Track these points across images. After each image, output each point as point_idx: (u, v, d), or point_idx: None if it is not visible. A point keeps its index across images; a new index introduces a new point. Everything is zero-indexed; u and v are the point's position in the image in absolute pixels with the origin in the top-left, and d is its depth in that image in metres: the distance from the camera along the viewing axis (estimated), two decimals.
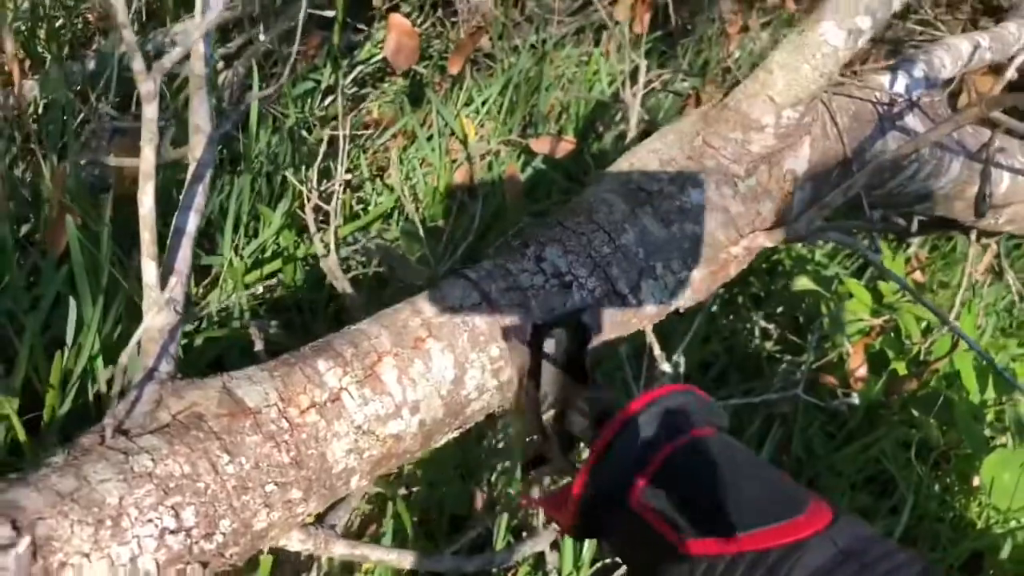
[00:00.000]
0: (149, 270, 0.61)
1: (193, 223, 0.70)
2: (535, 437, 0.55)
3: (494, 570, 0.88)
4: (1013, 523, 1.20)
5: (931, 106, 0.83)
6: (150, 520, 0.48)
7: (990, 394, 1.31)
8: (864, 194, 0.72)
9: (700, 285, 0.70)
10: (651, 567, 0.43)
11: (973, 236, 1.00)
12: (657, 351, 0.75)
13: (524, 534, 0.98)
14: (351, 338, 0.60)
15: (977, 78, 0.96)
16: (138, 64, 0.59)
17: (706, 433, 0.46)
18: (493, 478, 1.01)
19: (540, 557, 0.93)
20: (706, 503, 0.42)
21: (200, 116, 0.79)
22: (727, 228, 0.69)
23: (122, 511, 0.48)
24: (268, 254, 1.19)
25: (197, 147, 0.77)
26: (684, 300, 0.69)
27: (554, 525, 0.79)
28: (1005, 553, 1.15)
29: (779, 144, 0.70)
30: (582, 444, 0.55)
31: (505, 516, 0.93)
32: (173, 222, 0.71)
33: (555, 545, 0.93)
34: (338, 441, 0.56)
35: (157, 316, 0.61)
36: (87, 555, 0.46)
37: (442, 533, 0.95)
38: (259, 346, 0.72)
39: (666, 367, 0.76)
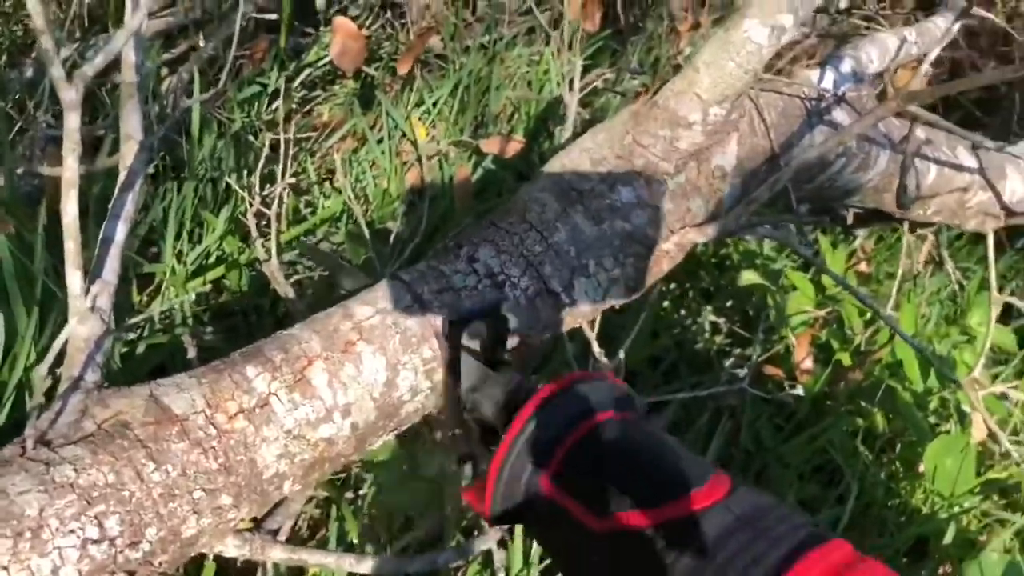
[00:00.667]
0: (73, 280, 0.60)
1: (122, 232, 0.70)
2: (458, 431, 0.56)
3: (441, 570, 0.88)
4: (956, 508, 1.23)
5: (858, 100, 0.85)
6: (72, 531, 0.48)
7: (932, 382, 1.34)
8: (793, 189, 0.74)
9: (634, 281, 0.71)
10: (565, 548, 0.44)
11: (906, 227, 1.03)
12: (596, 349, 0.76)
13: (476, 532, 0.98)
14: (281, 343, 0.60)
15: (899, 73, 0.98)
16: (57, 71, 0.58)
17: (612, 417, 0.47)
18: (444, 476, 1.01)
19: (489, 555, 0.94)
20: (612, 483, 0.43)
21: (131, 125, 0.79)
22: (658, 225, 0.70)
23: (42, 522, 0.47)
24: (212, 260, 1.18)
25: (128, 155, 0.77)
26: (618, 297, 0.70)
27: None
28: (949, 538, 1.17)
29: (707, 141, 0.71)
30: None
31: (455, 515, 0.94)
32: (101, 231, 0.70)
33: (503, 543, 0.93)
34: (268, 446, 0.56)
35: (82, 326, 0.60)
36: (5, 568, 0.45)
37: (393, 535, 0.95)
38: (192, 353, 0.71)
39: (605, 364, 0.77)
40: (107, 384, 0.59)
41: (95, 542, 0.48)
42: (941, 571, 1.21)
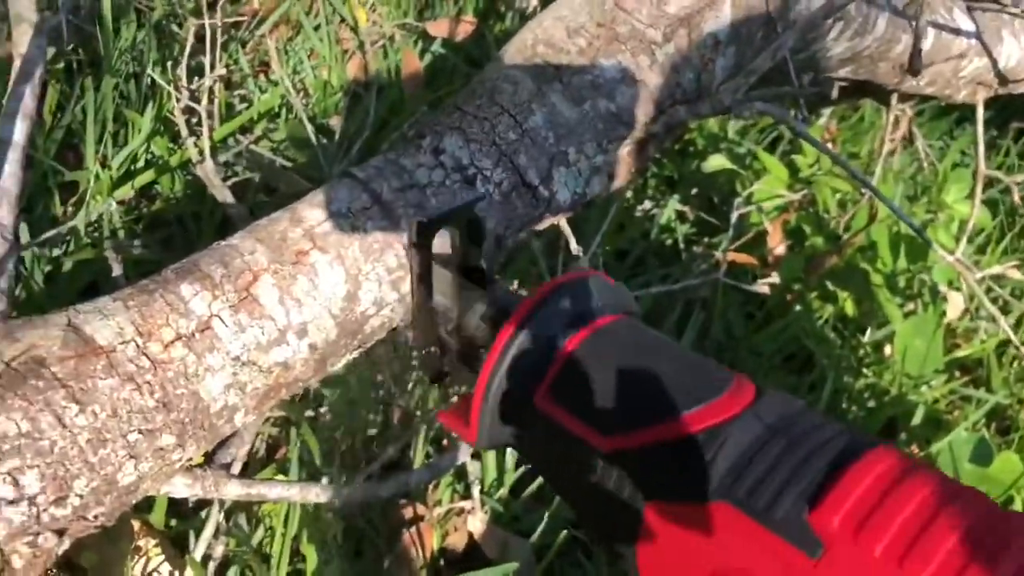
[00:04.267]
0: None
1: (21, 131, 0.59)
2: (432, 348, 0.48)
3: (412, 490, 0.83)
4: (925, 388, 1.23)
5: None
6: None
7: (902, 263, 1.32)
8: (789, 58, 0.66)
9: (618, 169, 0.63)
10: (569, 470, 0.38)
11: (894, 100, 0.96)
12: (573, 244, 0.69)
13: (444, 443, 0.93)
14: (220, 256, 0.51)
15: None
16: None
17: (613, 320, 0.41)
18: (409, 389, 0.95)
19: (462, 469, 0.89)
20: (621, 394, 0.37)
21: (22, 3, 0.67)
22: (645, 103, 0.61)
23: None
24: (140, 164, 1.07)
25: (21, 40, 0.65)
26: (601, 187, 0.63)
27: None
28: (918, 419, 1.17)
29: (698, 3, 0.62)
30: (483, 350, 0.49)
31: (423, 430, 0.88)
32: None
33: (477, 455, 0.89)
34: (213, 376, 0.48)
35: None
36: None
37: (355, 455, 0.90)
38: (117, 271, 0.62)
39: (583, 261, 0.70)
40: (16, 314, 0.50)
41: (11, 503, 0.40)
42: (910, 451, 1.21)
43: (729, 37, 0.65)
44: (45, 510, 0.42)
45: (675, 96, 0.63)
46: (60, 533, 0.43)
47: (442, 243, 0.48)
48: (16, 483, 0.41)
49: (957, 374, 1.30)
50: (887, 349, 1.28)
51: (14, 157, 0.58)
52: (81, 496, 0.44)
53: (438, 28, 1.38)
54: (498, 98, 0.60)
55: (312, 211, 0.54)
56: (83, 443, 0.43)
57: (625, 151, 0.63)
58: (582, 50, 0.61)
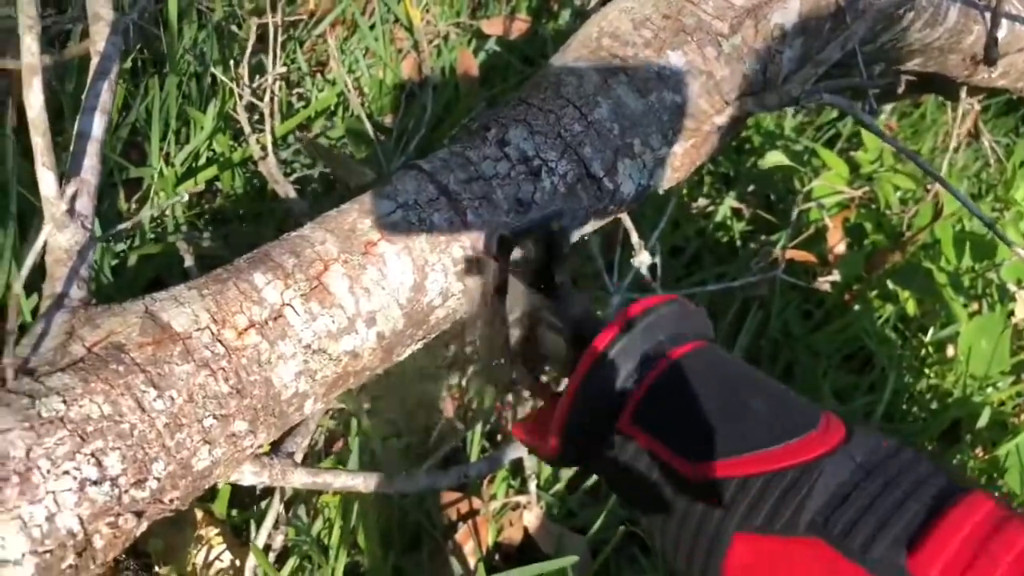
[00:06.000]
0: (47, 180, 0.52)
1: (99, 125, 0.61)
2: (501, 360, 0.49)
3: (469, 483, 0.84)
4: (991, 390, 1.19)
5: None
6: (66, 472, 0.41)
7: (966, 262, 1.28)
8: (858, 49, 0.65)
9: (682, 161, 0.63)
10: (651, 496, 0.38)
11: (964, 94, 0.94)
12: (635, 239, 0.69)
13: (499, 438, 0.93)
14: (292, 246, 0.52)
15: None
16: None
17: (695, 348, 0.41)
18: (464, 383, 0.95)
19: (519, 463, 0.89)
20: (706, 424, 0.37)
21: (99, 2, 0.68)
22: (711, 95, 0.61)
23: (31, 464, 0.40)
24: (203, 161, 1.09)
25: (99, 38, 0.67)
26: (665, 179, 0.62)
27: None
28: (983, 421, 1.13)
29: None
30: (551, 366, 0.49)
31: (479, 424, 0.88)
32: (76, 126, 0.61)
33: None
34: (284, 364, 0.49)
35: (60, 233, 0.52)
36: None
37: (411, 446, 0.90)
38: (189, 262, 0.64)
39: (644, 257, 0.69)
40: (95, 301, 0.51)
41: (94, 483, 0.42)
42: (975, 454, 1.18)
43: (796, 28, 0.64)
44: (126, 491, 0.43)
45: (741, 88, 0.62)
46: (139, 515, 0.44)
47: (521, 258, 0.48)
48: (100, 464, 0.42)
49: None
50: (950, 350, 1.25)
51: (93, 150, 0.59)
52: (159, 479, 0.45)
53: (492, 27, 1.39)
54: (563, 90, 0.60)
55: (380, 202, 0.54)
56: (161, 427, 0.44)
57: (690, 143, 0.62)
58: (648, 42, 0.60)
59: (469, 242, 0.54)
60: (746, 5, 0.61)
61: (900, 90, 0.87)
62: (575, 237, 0.62)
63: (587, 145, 0.58)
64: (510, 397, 0.50)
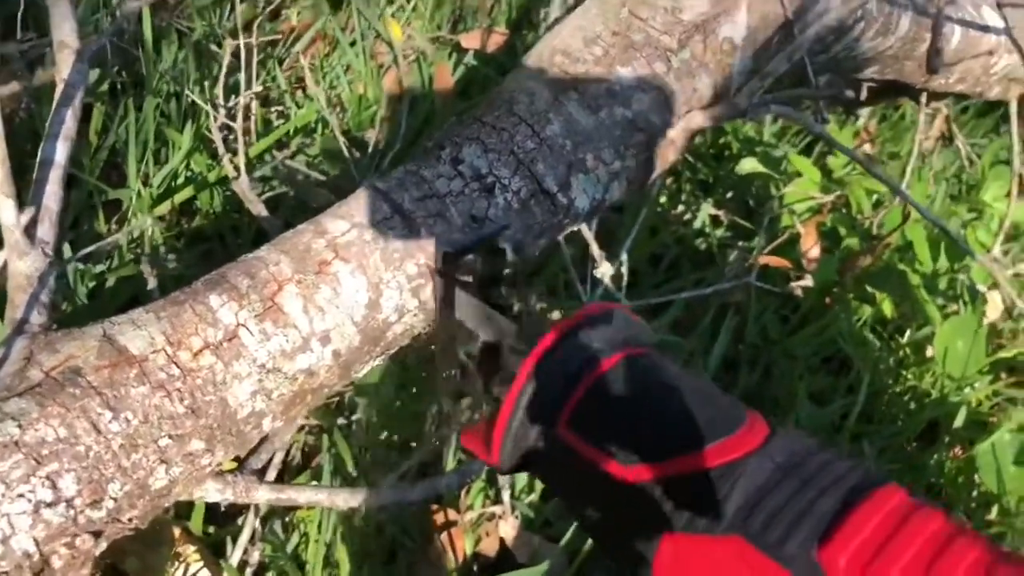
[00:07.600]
0: (6, 208, 0.53)
1: (62, 152, 0.62)
2: (453, 371, 0.50)
3: (444, 495, 0.84)
4: (968, 390, 1.20)
5: None
6: (21, 495, 0.42)
7: (943, 263, 1.29)
8: (808, 60, 0.66)
9: (638, 174, 0.64)
10: (587, 498, 0.40)
11: (923, 99, 0.95)
12: (595, 251, 0.70)
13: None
14: (247, 268, 0.53)
15: None
16: None
17: (630, 355, 0.42)
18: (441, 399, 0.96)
19: (492, 474, 0.90)
20: (640, 426, 0.38)
21: (64, 31, 0.70)
22: (662, 109, 0.62)
23: None
24: (180, 181, 1.10)
25: (63, 66, 0.68)
26: (620, 194, 0.63)
27: None
28: (960, 421, 1.15)
29: (713, 9, 0.63)
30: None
31: (455, 436, 0.89)
32: (39, 153, 0.62)
33: None
34: (240, 383, 0.50)
35: (21, 261, 0.53)
36: None
37: (389, 461, 0.91)
38: (152, 284, 0.65)
39: (606, 268, 0.70)
40: (56, 327, 0.52)
41: (49, 505, 0.43)
42: (952, 454, 1.19)
43: (746, 41, 0.66)
44: (81, 512, 0.44)
45: (691, 102, 0.63)
46: (96, 535, 0.45)
47: (466, 273, 0.50)
48: (54, 486, 0.43)
49: (1003, 375, 1.28)
50: (927, 351, 1.26)
51: (55, 176, 0.60)
52: (115, 499, 0.46)
53: (471, 40, 1.40)
54: (516, 108, 0.61)
55: (335, 222, 0.56)
56: (116, 448, 0.45)
57: (644, 156, 0.63)
58: (598, 59, 0.62)
59: (423, 258, 0.56)
60: (694, 20, 0.63)
61: (863, 97, 0.88)
62: (534, 251, 0.63)
63: (540, 161, 0.59)
64: (464, 407, 0.51)
